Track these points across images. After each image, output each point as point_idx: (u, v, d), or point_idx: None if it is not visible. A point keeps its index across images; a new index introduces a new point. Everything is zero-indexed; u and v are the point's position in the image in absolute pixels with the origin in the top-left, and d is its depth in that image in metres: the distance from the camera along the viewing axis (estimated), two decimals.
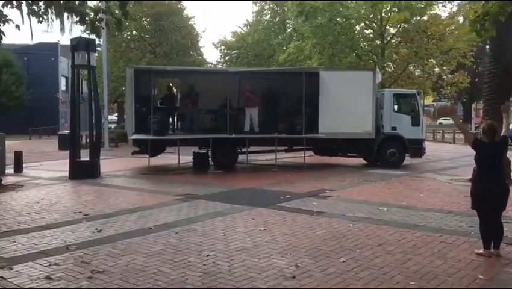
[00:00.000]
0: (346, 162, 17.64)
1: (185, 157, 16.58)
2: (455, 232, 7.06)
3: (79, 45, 13.85)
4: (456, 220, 7.83)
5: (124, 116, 24.52)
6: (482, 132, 6.05)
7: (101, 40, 29.74)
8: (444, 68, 23.55)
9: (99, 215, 8.53)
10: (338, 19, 22.84)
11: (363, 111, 15.99)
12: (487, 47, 47.25)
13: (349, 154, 17.21)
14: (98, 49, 32.79)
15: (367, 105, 16.01)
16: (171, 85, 20.90)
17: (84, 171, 13.82)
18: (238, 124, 16.20)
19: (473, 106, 59.61)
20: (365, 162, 17.47)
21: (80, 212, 8.80)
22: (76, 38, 13.87)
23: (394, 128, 16.39)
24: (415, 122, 16.47)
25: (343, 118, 15.76)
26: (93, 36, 17.40)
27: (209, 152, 16.34)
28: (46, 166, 17.75)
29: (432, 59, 23.43)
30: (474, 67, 26.33)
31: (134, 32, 35.66)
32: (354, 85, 16.00)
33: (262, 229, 7.29)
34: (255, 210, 8.80)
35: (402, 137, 16.27)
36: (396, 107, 16.74)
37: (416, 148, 16.45)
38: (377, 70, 16.90)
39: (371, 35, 23.85)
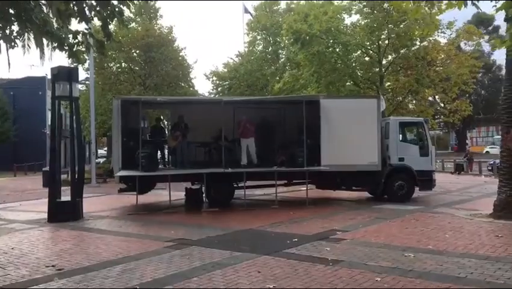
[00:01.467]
0: (350, 196, 16.45)
1: (177, 193, 15.30)
2: (507, 286, 5.82)
3: (60, 74, 12.67)
4: (500, 269, 6.59)
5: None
6: None
7: (89, 73, 28.91)
8: (447, 95, 22.68)
9: (75, 269, 7.18)
10: (334, 46, 22.08)
11: (368, 141, 14.90)
12: (479, 75, 46.90)
13: (353, 187, 16.00)
14: (86, 82, 32.22)
15: (372, 134, 14.93)
16: (161, 117, 19.80)
17: (64, 213, 12.43)
18: (234, 157, 15.02)
19: (468, 134, 59.21)
20: (369, 195, 16.31)
21: (53, 265, 7.44)
22: (56, 67, 12.71)
23: (401, 159, 15.28)
24: (424, 152, 15.39)
25: (347, 149, 14.66)
26: (75, 64, 16.29)
27: (203, 188, 15.12)
28: (25, 206, 16.35)
29: (432, 87, 22.61)
30: (467, 95, 25.53)
31: (123, 64, 34.78)
32: (357, 114, 14.95)
33: (271, 286, 6.00)
34: (260, 259, 7.51)
35: (410, 169, 15.14)
36: (402, 136, 15.70)
37: (426, 180, 15.30)
38: (382, 97, 15.92)
39: (370, 63, 23.06)
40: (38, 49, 8.93)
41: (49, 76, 32.86)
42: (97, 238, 9.88)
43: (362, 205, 14.37)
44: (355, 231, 9.80)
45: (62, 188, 13.27)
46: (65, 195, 13.25)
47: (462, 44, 23.00)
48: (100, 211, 14.18)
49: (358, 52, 23.28)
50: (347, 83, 23.48)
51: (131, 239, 9.66)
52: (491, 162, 30.19)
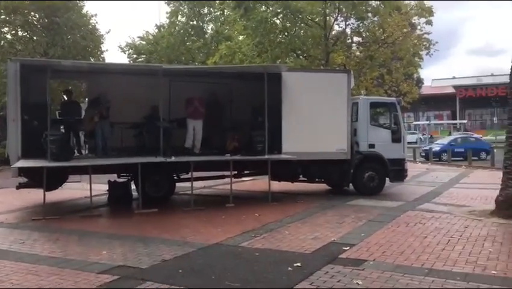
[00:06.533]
0: (306, 188, 14.00)
1: (96, 186, 11.82)
2: None
3: None
4: None
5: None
6: None
7: None
8: (393, 76, 21.16)
9: None
10: (283, 13, 19.32)
11: (336, 125, 12.56)
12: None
13: (317, 179, 13.56)
14: None
15: (341, 116, 12.61)
16: (70, 88, 15.90)
17: None
18: (175, 142, 11.87)
19: None
20: (328, 187, 14.09)
21: None
22: None
23: (371, 145, 13.13)
24: (396, 138, 13.38)
25: (312, 134, 12.23)
26: None
27: (133, 182, 11.87)
28: None
29: (383, 66, 20.94)
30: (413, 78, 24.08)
31: (19, 33, 29.33)
32: (325, 91, 12.52)
33: None
34: None
35: (382, 157, 13.05)
36: (372, 119, 13.53)
37: (397, 170, 13.33)
38: (352, 72, 13.55)
39: (317, 37, 20.68)
40: None
41: None
42: None
43: (333, 201, 11.92)
44: (363, 244, 7.25)
45: None
46: None
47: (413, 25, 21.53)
48: None
49: (302, 25, 20.83)
50: (292, 59, 20.93)
51: (42, 267, 6.25)
52: (426, 149, 29.79)
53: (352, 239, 7.61)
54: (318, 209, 10.70)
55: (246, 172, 13.50)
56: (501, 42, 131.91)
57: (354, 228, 8.53)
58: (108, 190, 12.35)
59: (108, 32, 38.91)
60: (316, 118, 12.27)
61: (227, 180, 12.87)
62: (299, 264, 6.14)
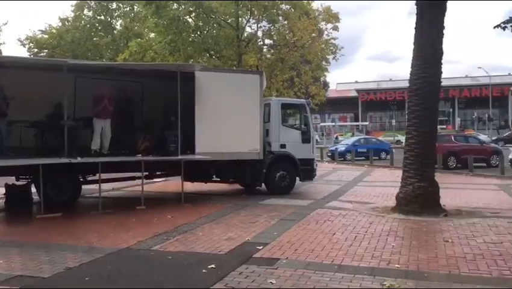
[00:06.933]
0: (216, 188, 14.04)
1: None
2: None
3: None
4: None
5: None
6: None
7: None
8: (302, 78, 21.89)
9: None
10: (192, 15, 19.15)
11: (249, 125, 12.72)
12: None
13: (231, 179, 13.59)
14: None
15: (253, 116, 12.76)
16: None
17: None
18: (81, 142, 11.22)
19: None
20: (240, 187, 14.24)
21: None
22: None
23: (283, 146, 13.43)
24: (306, 138, 13.82)
25: (226, 134, 12.25)
26: None
27: (34, 184, 11.07)
28: None
29: (293, 69, 21.56)
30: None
31: None
32: (238, 91, 12.59)
33: None
34: None
35: (293, 157, 13.40)
36: (283, 120, 13.83)
37: (307, 169, 13.78)
38: (264, 73, 13.73)
39: (230, 38, 20.73)
40: None
41: None
42: None
43: (246, 201, 11.99)
44: (276, 243, 7.35)
45: None
46: None
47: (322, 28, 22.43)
48: None
49: (215, 25, 20.79)
50: (205, 58, 20.81)
51: None
52: (332, 149, 31.13)
53: (265, 238, 7.70)
54: (232, 209, 10.71)
55: (158, 173, 13.23)
56: (398, 49, 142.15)
57: (267, 227, 8.64)
58: (4, 194, 11.42)
59: (6, 23, 36.06)
60: (229, 118, 12.29)
61: (138, 181, 12.46)
62: (213, 266, 6.06)
